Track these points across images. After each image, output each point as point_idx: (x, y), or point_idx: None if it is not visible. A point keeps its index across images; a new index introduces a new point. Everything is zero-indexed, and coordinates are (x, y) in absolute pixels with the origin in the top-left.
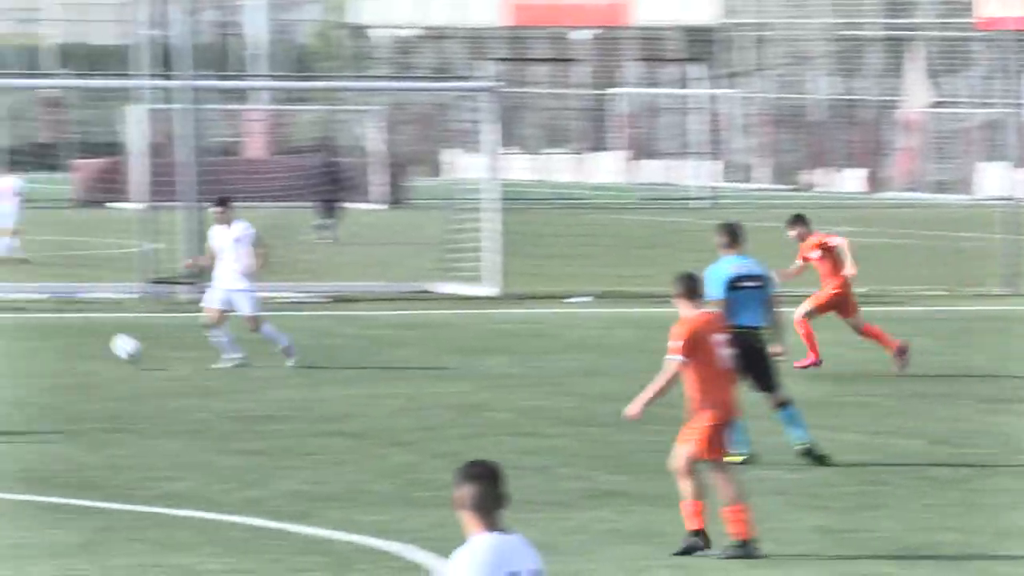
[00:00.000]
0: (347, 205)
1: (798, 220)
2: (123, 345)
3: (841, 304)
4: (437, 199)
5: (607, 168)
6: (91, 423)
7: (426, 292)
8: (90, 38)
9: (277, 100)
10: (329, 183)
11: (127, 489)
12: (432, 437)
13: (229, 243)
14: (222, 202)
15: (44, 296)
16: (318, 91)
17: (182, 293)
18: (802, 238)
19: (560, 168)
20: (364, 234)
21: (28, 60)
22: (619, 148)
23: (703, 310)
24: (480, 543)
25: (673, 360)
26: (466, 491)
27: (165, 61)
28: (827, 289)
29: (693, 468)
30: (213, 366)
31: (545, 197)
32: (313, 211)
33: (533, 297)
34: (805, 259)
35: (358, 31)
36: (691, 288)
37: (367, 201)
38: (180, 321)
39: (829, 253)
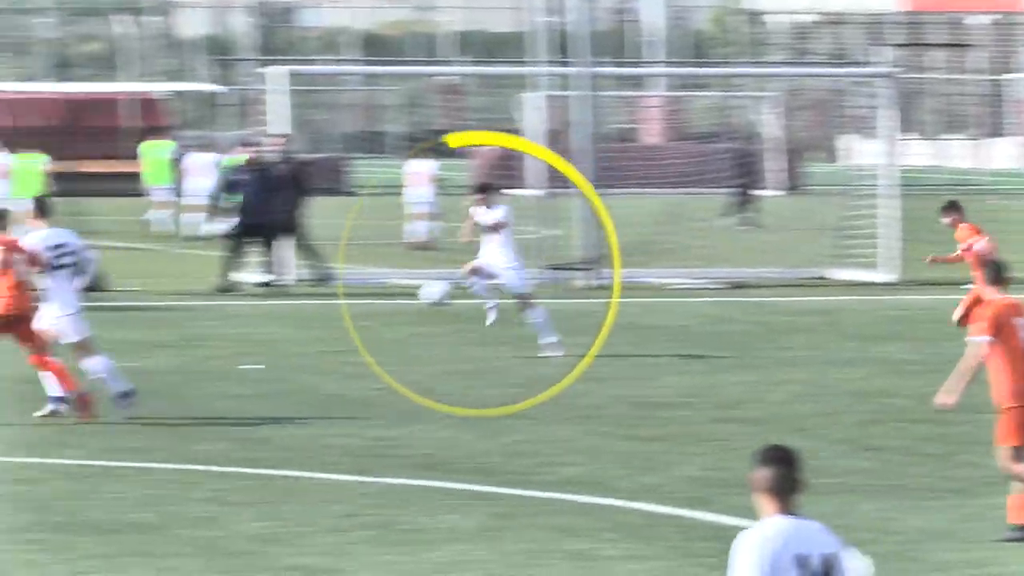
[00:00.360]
0: (753, 191)
1: (952, 207)
2: (429, 291)
3: None
4: (834, 185)
5: (1005, 154)
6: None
7: (822, 278)
8: (487, 25)
9: (673, 86)
10: (739, 170)
11: (523, 475)
12: (830, 423)
13: (496, 226)
14: (484, 188)
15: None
16: (714, 77)
17: (579, 279)
18: (954, 225)
19: (958, 154)
20: (761, 220)
21: (426, 47)
22: (1017, 134)
23: (1006, 295)
24: (768, 524)
25: (980, 341)
26: (762, 474)
27: (562, 48)
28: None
29: (1017, 458)
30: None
31: (943, 183)
32: (728, 199)
33: (932, 283)
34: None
35: (755, 16)
36: (996, 275)
37: (764, 187)
38: (576, 307)
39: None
